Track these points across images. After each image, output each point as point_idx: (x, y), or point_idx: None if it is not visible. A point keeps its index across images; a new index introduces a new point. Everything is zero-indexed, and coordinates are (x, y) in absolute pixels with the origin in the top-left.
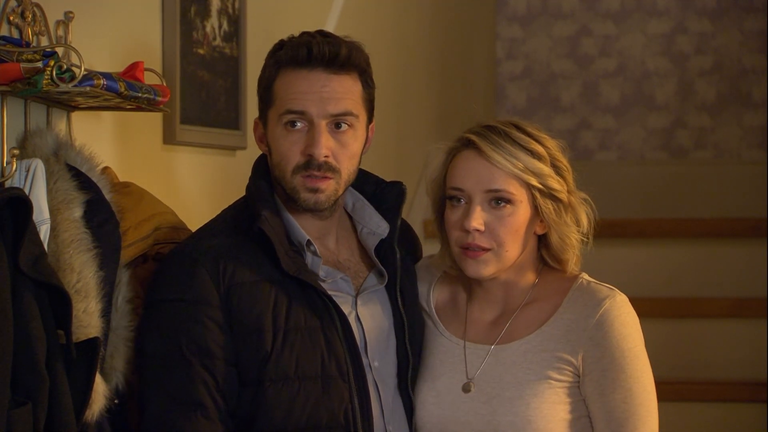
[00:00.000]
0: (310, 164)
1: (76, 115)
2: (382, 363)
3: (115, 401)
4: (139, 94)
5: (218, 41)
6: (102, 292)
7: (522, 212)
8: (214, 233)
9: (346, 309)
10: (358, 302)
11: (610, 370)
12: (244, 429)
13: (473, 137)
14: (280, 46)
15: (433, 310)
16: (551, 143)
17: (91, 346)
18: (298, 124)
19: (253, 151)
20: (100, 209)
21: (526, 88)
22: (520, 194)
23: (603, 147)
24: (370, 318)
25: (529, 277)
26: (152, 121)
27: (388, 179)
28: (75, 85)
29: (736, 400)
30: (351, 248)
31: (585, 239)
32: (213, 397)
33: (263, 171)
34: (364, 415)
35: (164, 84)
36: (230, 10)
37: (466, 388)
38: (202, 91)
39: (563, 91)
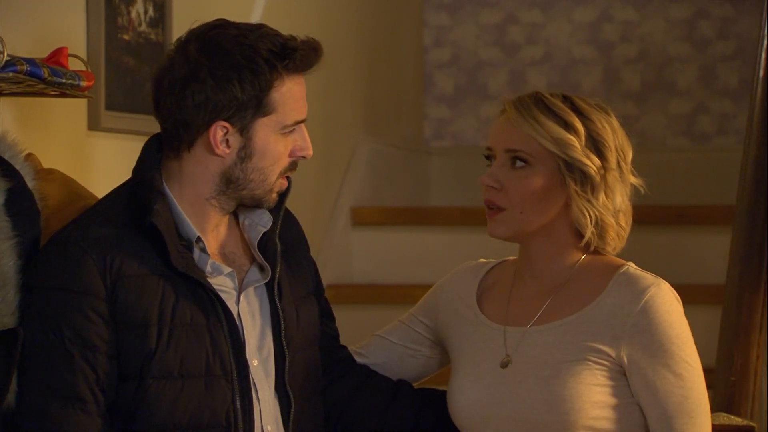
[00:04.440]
0: (294, 166)
1: None
2: (261, 361)
3: None
4: (63, 80)
5: (144, 27)
6: (21, 282)
7: (540, 176)
8: (102, 221)
9: (231, 306)
10: (241, 298)
11: (658, 356)
12: (122, 425)
13: (506, 100)
14: (282, 50)
15: (474, 300)
16: (603, 120)
17: (10, 336)
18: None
19: None
20: (22, 197)
21: (454, 75)
22: (539, 158)
23: None
24: (249, 315)
25: (573, 255)
26: (77, 107)
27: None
28: None
29: None
30: (236, 240)
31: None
32: (93, 392)
33: (155, 159)
34: (245, 415)
35: (89, 70)
36: None
37: (504, 364)
38: (127, 77)
39: (490, 78)
